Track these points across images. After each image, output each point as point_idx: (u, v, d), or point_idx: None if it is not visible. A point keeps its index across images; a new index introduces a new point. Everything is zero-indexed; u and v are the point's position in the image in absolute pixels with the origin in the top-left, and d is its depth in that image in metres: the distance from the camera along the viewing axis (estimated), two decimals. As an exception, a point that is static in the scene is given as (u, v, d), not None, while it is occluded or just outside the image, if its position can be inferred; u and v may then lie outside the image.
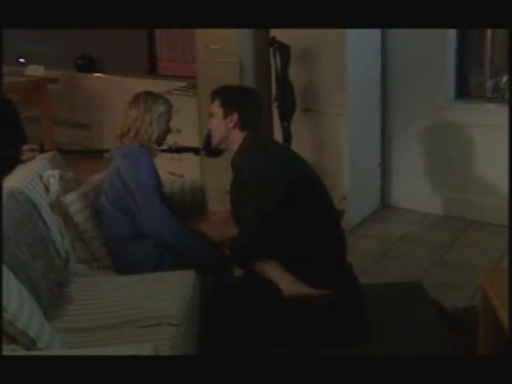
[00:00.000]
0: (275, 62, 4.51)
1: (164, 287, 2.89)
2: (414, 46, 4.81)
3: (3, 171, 3.17)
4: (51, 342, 2.29)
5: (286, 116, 4.59)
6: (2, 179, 2.95)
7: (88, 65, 6.94)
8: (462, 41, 4.77)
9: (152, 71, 6.60)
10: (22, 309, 2.19)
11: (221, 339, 3.08)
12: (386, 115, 5.04)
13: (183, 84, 5.58)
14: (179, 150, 4.23)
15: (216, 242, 3.25)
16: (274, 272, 2.99)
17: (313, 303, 2.94)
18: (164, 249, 3.18)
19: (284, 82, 4.51)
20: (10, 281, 2.24)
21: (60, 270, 2.94)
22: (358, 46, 4.56)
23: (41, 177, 3.23)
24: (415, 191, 5.06)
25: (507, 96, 4.63)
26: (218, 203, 4.49)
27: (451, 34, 4.70)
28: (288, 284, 2.95)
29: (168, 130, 3.32)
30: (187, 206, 3.55)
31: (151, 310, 2.72)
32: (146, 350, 2.07)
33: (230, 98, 3.22)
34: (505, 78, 4.80)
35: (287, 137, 4.57)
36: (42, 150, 3.80)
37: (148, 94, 3.29)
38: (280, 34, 4.38)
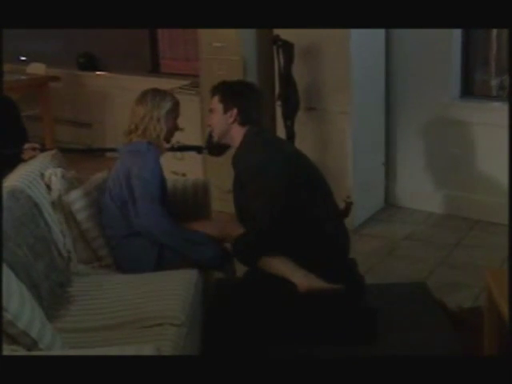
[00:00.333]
0: (278, 61, 4.48)
1: (166, 287, 2.88)
2: (418, 45, 4.78)
3: (4, 170, 3.16)
4: (53, 343, 2.27)
5: (290, 115, 4.56)
6: (2, 178, 2.93)
7: (90, 63, 6.92)
8: (467, 39, 4.75)
9: (154, 69, 6.58)
10: (23, 309, 2.17)
11: (223, 339, 3.08)
12: (390, 114, 5.01)
13: (186, 82, 5.57)
14: (182, 148, 4.20)
15: (216, 239, 3.23)
16: (285, 267, 3.00)
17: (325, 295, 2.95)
18: (161, 246, 3.16)
19: (287, 80, 4.48)
20: (11, 281, 2.22)
21: (62, 269, 2.93)
22: (362, 44, 4.53)
23: (42, 176, 3.21)
24: (420, 190, 5.03)
25: (512, 95, 4.61)
26: (221, 202, 4.47)
27: (456, 32, 4.67)
28: (302, 278, 2.97)
29: (176, 127, 3.30)
30: (190, 205, 3.53)
31: (153, 310, 2.71)
32: (147, 350, 2.06)
33: (230, 92, 3.24)
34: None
35: (290, 136, 4.55)
36: (43, 149, 3.79)
37: (155, 91, 3.28)
38: (283, 32, 4.36)
